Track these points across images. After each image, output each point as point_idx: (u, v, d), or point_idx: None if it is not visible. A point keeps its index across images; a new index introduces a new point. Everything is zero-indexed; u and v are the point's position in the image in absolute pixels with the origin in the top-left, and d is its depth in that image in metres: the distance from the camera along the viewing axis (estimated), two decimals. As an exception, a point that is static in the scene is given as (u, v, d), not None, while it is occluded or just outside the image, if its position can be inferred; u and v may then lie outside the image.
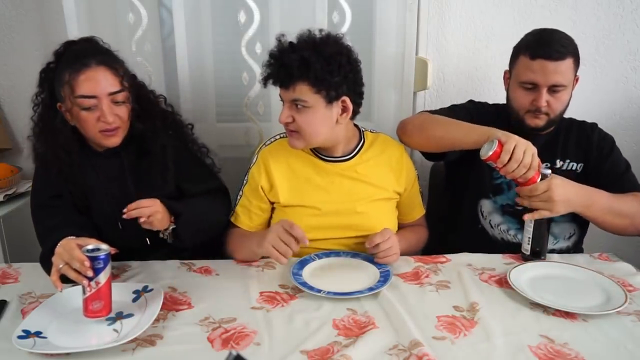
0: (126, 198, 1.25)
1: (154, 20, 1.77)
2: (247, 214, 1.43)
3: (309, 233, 1.23)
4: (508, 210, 1.48)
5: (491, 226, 1.51)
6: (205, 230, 1.36)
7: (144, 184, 1.33)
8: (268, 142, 1.47)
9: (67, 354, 0.94)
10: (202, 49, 1.79)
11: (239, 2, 1.74)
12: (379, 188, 1.41)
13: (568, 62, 1.35)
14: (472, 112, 1.53)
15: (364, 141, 1.44)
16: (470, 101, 1.61)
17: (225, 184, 1.50)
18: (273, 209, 1.44)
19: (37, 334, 0.98)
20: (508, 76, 1.49)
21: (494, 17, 1.85)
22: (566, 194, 1.25)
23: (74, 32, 1.71)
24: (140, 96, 1.35)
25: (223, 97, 1.86)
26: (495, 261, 1.32)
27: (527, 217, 1.28)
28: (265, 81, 1.33)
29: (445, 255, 1.35)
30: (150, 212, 1.17)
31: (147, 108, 1.35)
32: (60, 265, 1.00)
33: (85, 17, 1.72)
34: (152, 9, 1.76)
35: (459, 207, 1.58)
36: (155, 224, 1.20)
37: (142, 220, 1.16)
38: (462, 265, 1.29)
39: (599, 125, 1.52)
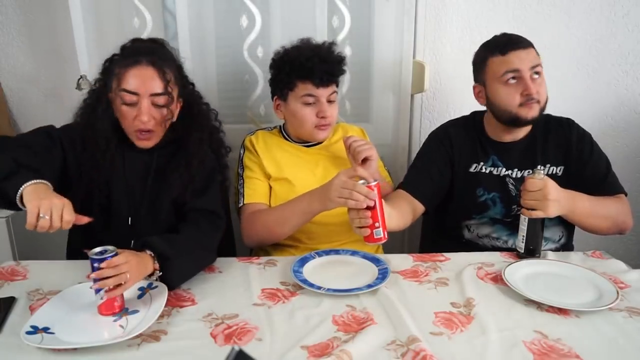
0: (142, 197, 1.29)
1: (158, 25, 1.78)
2: (259, 189, 1.47)
3: None
4: (498, 221, 1.48)
5: (479, 237, 1.51)
6: (194, 271, 1.22)
7: (163, 184, 1.31)
8: (250, 133, 1.58)
9: (74, 349, 0.94)
10: (205, 52, 1.80)
11: (241, 7, 1.74)
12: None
13: (534, 51, 1.39)
14: (443, 147, 1.52)
15: None
16: (432, 136, 1.58)
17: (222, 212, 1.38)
18: None
19: (45, 329, 0.98)
20: (480, 89, 1.47)
21: (490, 22, 1.85)
22: (558, 196, 1.25)
23: (81, 36, 1.72)
24: (191, 105, 1.36)
25: (226, 99, 1.87)
26: (494, 258, 1.32)
27: (524, 211, 1.27)
28: (304, 78, 1.41)
29: (444, 254, 1.35)
30: (115, 281, 1.00)
31: (198, 119, 1.36)
32: (44, 216, 0.97)
33: (92, 22, 1.73)
34: (156, 14, 1.76)
35: (439, 228, 1.59)
36: (129, 284, 1.03)
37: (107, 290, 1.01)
38: (461, 263, 1.29)
39: (592, 127, 1.51)
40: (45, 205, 0.97)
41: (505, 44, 1.39)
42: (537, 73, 1.37)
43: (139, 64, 1.21)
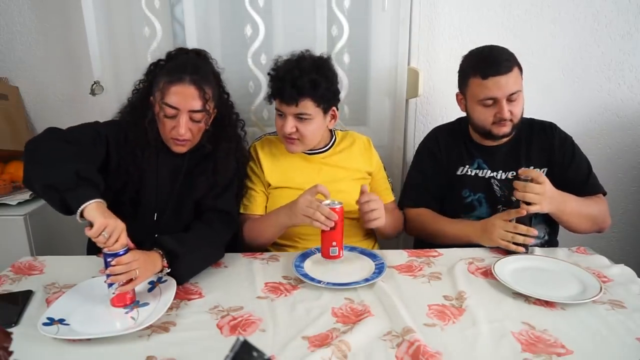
0: (170, 196, 1.32)
1: (167, 34, 1.78)
2: (254, 201, 1.46)
3: None
4: None
5: None
6: (202, 267, 1.23)
7: (189, 186, 1.34)
8: (257, 139, 1.56)
9: (88, 339, 0.94)
10: (212, 60, 1.79)
11: (245, 17, 1.74)
12: (354, 170, 1.50)
13: (515, 72, 1.36)
14: (433, 156, 1.54)
15: (335, 137, 1.55)
16: (422, 147, 1.59)
17: (236, 213, 1.43)
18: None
19: (61, 321, 0.98)
20: (461, 97, 1.47)
21: (480, 31, 1.85)
22: (553, 194, 1.26)
23: (95, 45, 1.72)
24: (224, 115, 1.37)
25: None
26: (483, 254, 1.32)
27: (523, 206, 1.26)
28: (272, 97, 1.41)
29: (437, 249, 1.35)
30: (126, 277, 1.02)
31: (227, 130, 1.37)
32: (105, 235, 0.99)
33: (105, 31, 1.73)
34: (166, 24, 1.76)
35: None
36: (139, 280, 1.05)
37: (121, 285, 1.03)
38: (453, 258, 1.29)
39: (577, 131, 1.51)
40: (111, 226, 1.00)
41: (486, 67, 1.35)
42: (512, 99, 1.36)
43: (182, 81, 1.23)
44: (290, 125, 1.37)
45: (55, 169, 1.07)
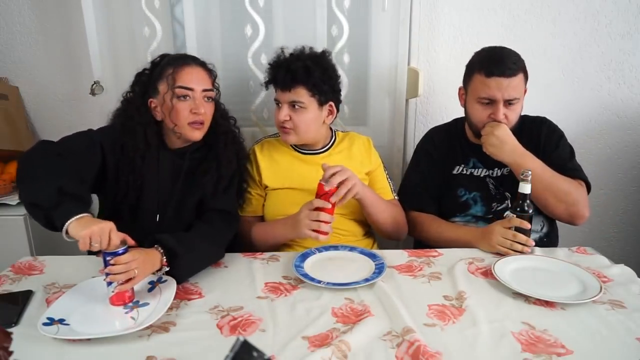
0: (171, 196, 1.33)
1: (167, 34, 1.78)
2: (250, 204, 1.50)
3: (296, 209, 1.33)
4: (480, 218, 1.48)
5: None
6: (202, 266, 1.23)
7: (191, 186, 1.34)
8: (257, 141, 1.58)
9: (88, 339, 0.94)
10: (212, 59, 1.76)
11: (246, 17, 1.74)
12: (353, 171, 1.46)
13: (519, 77, 1.35)
14: (430, 156, 1.55)
15: (335, 138, 1.56)
16: (419, 149, 1.61)
17: (237, 212, 1.44)
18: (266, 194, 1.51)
19: (61, 321, 0.98)
20: (463, 92, 1.48)
21: (480, 31, 1.85)
22: (503, 137, 1.34)
23: (95, 45, 1.72)
24: (215, 109, 1.38)
25: (231, 103, 1.83)
26: (483, 254, 1.32)
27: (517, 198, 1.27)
28: (268, 84, 1.46)
29: (437, 249, 1.35)
30: (125, 276, 1.03)
31: (220, 122, 1.39)
32: (96, 245, 1.00)
33: (105, 31, 1.73)
34: (166, 24, 1.76)
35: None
36: (138, 279, 1.05)
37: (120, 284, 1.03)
38: (453, 258, 1.29)
39: (577, 131, 1.51)
40: (96, 233, 1.00)
41: (492, 65, 1.34)
42: (511, 104, 1.36)
43: (189, 65, 1.29)
44: (284, 113, 1.40)
45: (39, 186, 1.07)
